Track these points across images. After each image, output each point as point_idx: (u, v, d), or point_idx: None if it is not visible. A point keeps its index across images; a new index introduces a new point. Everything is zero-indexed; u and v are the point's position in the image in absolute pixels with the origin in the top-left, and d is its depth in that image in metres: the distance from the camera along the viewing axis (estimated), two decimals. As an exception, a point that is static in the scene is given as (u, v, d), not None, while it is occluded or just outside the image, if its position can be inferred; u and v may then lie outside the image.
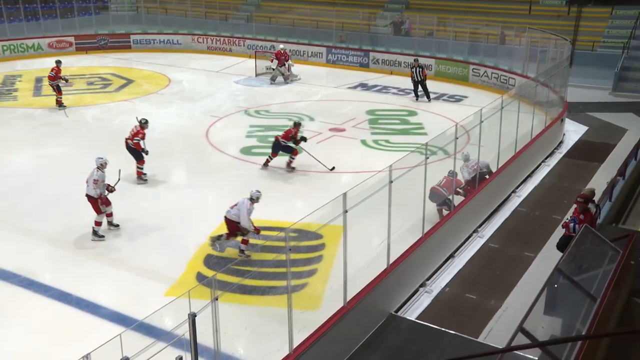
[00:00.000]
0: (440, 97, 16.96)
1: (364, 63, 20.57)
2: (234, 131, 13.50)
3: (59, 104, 15.06)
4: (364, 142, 12.76)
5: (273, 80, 18.32)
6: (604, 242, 5.22)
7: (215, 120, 14.28)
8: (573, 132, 14.28)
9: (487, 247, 8.70)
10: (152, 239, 8.32)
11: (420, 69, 16.20)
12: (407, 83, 17.97)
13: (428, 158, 7.58)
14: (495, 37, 18.53)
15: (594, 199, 7.43)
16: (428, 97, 16.19)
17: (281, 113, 14.96)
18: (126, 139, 10.40)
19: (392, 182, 6.81)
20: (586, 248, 5.25)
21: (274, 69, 18.44)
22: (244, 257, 7.76)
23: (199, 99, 16.26)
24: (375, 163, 10.98)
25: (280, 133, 11.24)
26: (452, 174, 8.48)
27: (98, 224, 8.34)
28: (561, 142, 13.49)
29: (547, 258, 8.07)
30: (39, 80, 18.33)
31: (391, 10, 23.50)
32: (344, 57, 20.92)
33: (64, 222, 8.82)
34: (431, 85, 17.94)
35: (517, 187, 10.81)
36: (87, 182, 8.43)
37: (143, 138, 10.30)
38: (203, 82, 18.53)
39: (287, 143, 11.00)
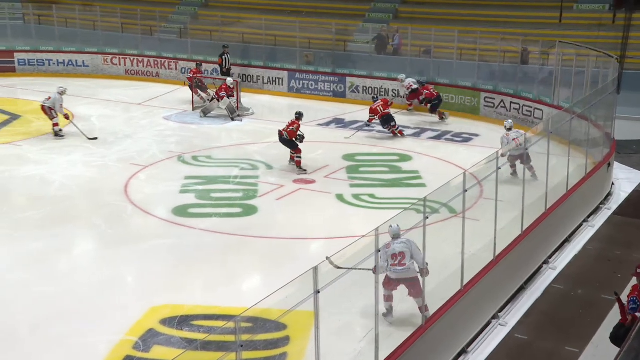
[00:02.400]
0: (441, 136, 17.52)
1: (339, 92, 21.21)
2: (163, 185, 13.68)
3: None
4: (340, 197, 13.07)
5: (205, 114, 18.71)
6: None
7: (137, 170, 14.46)
8: (625, 180, 14.81)
9: (512, 339, 8.90)
10: (44, 342, 8.28)
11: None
12: (397, 117, 18.53)
13: (428, 218, 7.81)
14: (514, 55, 19.31)
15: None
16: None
17: (228, 160, 15.25)
18: (280, 131, 14.40)
19: (379, 251, 7.04)
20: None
21: (204, 100, 18.87)
22: None
23: (114, 142, 16.47)
24: (356, 225, 11.17)
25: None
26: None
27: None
28: (609, 194, 13.93)
29: (598, 355, 8.24)
30: None
31: (374, 21, 24.46)
32: (311, 85, 21.57)
33: None
34: (428, 120, 18.49)
35: (550, 257, 11.14)
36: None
37: (298, 129, 14.38)
38: (120, 118, 18.82)
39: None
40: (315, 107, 20.36)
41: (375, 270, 7.26)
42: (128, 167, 14.53)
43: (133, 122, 18.32)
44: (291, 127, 14.52)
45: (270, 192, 13.18)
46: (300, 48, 22.26)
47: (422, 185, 13.64)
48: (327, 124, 18.59)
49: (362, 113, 19.66)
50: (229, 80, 18.95)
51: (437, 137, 17.36)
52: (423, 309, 7.98)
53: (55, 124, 16.69)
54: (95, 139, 16.41)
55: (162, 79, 23.23)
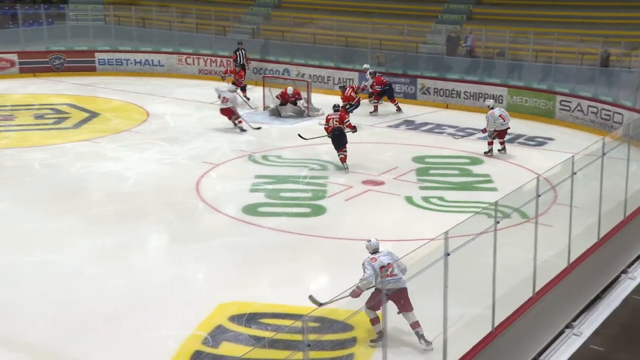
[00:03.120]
0: (514, 139, 17.21)
1: (410, 93, 21.10)
2: (233, 183, 13.90)
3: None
4: (409, 199, 13.01)
5: (274, 114, 18.98)
6: None
7: (208, 168, 14.73)
8: None
9: (587, 350, 8.66)
10: (117, 334, 8.52)
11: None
12: (469, 120, 18.34)
13: (499, 222, 7.69)
14: (593, 58, 18.88)
15: None
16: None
17: (297, 160, 15.37)
18: (329, 127, 14.58)
19: (448, 254, 6.96)
20: None
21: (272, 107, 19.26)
22: None
23: (187, 140, 16.82)
24: (425, 228, 11.08)
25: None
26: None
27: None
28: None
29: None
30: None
31: (447, 22, 24.23)
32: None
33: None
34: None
35: (629, 266, 10.81)
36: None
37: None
38: (193, 117, 19.20)
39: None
40: (386, 108, 20.33)
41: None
42: (200, 165, 14.82)
43: (205, 120, 18.65)
44: (345, 121, 14.57)
45: (339, 193, 13.21)
46: (372, 49, 22.25)
47: (493, 189, 13.46)
48: (397, 125, 18.53)
49: (433, 115, 19.54)
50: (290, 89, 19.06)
51: (510, 141, 17.04)
52: (416, 324, 7.82)
53: (240, 121, 17.41)
54: (259, 128, 17.47)
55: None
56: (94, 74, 24.48)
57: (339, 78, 21.96)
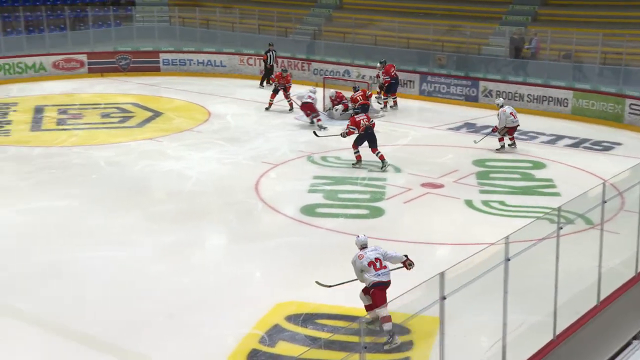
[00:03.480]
0: (580, 143, 16.83)
1: (472, 96, 20.86)
2: (292, 184, 13.99)
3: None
4: (469, 203, 12.87)
5: (331, 116, 19.00)
6: None
7: (268, 168, 14.87)
8: None
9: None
10: (177, 330, 8.68)
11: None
12: (533, 123, 18.02)
13: (562, 228, 7.56)
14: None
15: None
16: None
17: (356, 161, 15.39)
18: (368, 125, 14.75)
19: (509, 259, 6.86)
20: None
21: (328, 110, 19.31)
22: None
23: (247, 140, 17.01)
24: (485, 233, 10.98)
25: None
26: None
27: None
28: None
29: None
30: (38, 110, 19.84)
31: (511, 23, 23.81)
32: (443, 88, 21.34)
33: (57, 301, 9.28)
34: (565, 126, 17.82)
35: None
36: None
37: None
38: (253, 117, 19.41)
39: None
40: (446, 110, 20.17)
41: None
42: (259, 165, 14.96)
43: (265, 121, 18.84)
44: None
45: (398, 195, 13.15)
46: (433, 51, 22.11)
47: (556, 194, 13.20)
48: (458, 128, 18.34)
49: (494, 118, 19.20)
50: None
51: (575, 145, 16.70)
52: (387, 319, 7.93)
53: (319, 119, 17.91)
54: (326, 128, 17.54)
55: (295, 79, 23.69)
56: (158, 74, 25.01)
57: (400, 80, 21.86)
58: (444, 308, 6.20)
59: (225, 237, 11.86)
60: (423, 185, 13.72)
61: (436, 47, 22.33)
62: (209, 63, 25.16)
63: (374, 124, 14.81)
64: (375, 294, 8.16)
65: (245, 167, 15.01)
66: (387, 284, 8.21)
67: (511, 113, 15.86)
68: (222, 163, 15.31)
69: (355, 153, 14.77)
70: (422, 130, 18.17)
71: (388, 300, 7.90)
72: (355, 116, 15.01)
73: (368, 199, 13.03)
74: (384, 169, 14.49)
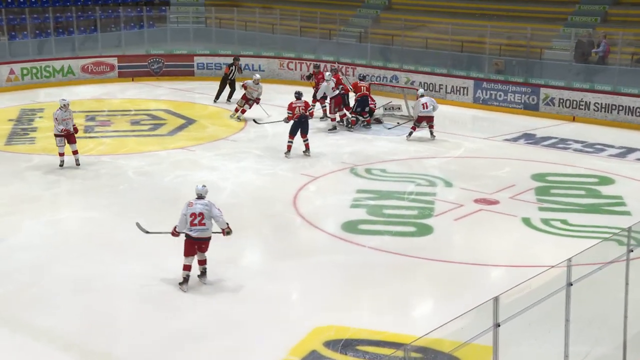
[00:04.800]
0: (652, 158, 16.54)
1: (531, 104, 20.65)
2: (333, 198, 13.97)
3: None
4: (526, 221, 12.70)
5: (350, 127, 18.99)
6: None
7: (307, 180, 14.91)
8: None
9: None
10: (209, 355, 8.68)
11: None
12: (600, 135, 17.72)
13: (632, 251, 7.43)
14: None
15: None
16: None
17: (403, 174, 15.30)
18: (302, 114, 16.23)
19: (571, 284, 6.75)
20: None
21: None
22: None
23: (285, 150, 17.06)
24: (544, 254, 10.85)
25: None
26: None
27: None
28: None
29: None
30: (66, 116, 20.25)
31: (578, 25, 23.46)
32: (500, 95, 21.19)
33: (85, 319, 9.41)
34: (637, 138, 17.49)
35: None
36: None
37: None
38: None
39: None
40: (503, 119, 20.00)
41: (177, 233, 9.90)
42: (298, 178, 15.01)
43: (306, 130, 18.91)
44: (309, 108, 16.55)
45: (448, 212, 13.04)
46: (490, 55, 21.97)
47: (626, 213, 12.98)
48: (515, 139, 18.16)
49: (557, 128, 19.03)
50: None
51: (646, 159, 16.42)
52: (203, 262, 10.01)
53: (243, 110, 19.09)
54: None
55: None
56: (192, 78, 25.37)
57: (452, 86, 21.77)
58: (497, 336, 6.12)
59: (260, 253, 11.89)
60: (476, 201, 13.59)
61: (493, 51, 22.16)
62: (247, 67, 25.36)
63: (312, 112, 16.91)
64: (185, 243, 9.84)
65: (283, 179, 15.07)
66: (195, 239, 9.76)
67: (424, 104, 17.58)
68: (258, 174, 15.38)
69: (288, 142, 16.33)
70: (476, 141, 18.03)
71: (438, 324, 7.79)
72: (293, 102, 16.40)
73: (415, 215, 12.95)
74: (306, 153, 16.41)
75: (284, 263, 11.16)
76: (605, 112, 19.30)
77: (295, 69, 24.95)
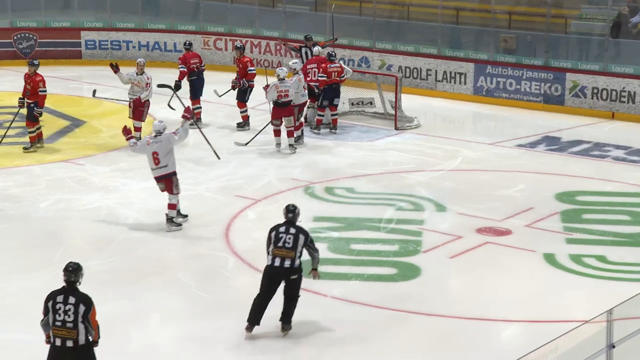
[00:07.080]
0: None
1: (554, 95, 21.00)
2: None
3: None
4: (550, 258, 12.88)
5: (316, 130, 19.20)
6: None
7: (245, 205, 14.95)
8: None
9: None
10: None
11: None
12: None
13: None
14: None
15: None
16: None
17: (378, 194, 15.49)
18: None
19: (613, 346, 6.86)
20: None
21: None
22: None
23: (214, 162, 17.02)
24: (575, 304, 11.04)
25: None
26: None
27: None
28: None
29: None
30: None
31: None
32: (510, 84, 21.53)
33: None
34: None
35: None
36: None
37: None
38: (223, 128, 19.80)
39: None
40: (515, 118, 20.27)
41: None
42: (232, 201, 15.04)
43: (242, 134, 19.01)
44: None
45: (441, 246, 13.17)
46: (496, 28, 22.18)
47: (684, 245, 13.24)
48: (533, 144, 18.44)
49: (590, 129, 19.35)
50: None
51: None
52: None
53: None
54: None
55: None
56: (79, 62, 25.57)
57: (444, 72, 21.96)
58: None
59: (179, 310, 11.75)
60: (479, 231, 13.75)
61: (500, 23, 22.41)
62: (156, 46, 25.29)
63: (198, 113, 19.13)
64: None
65: (211, 203, 15.09)
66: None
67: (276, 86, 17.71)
68: (185, 196, 15.28)
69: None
70: (478, 148, 18.24)
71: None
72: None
73: (396, 251, 13.06)
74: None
75: (211, 323, 11.05)
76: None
77: (226, 49, 24.92)
